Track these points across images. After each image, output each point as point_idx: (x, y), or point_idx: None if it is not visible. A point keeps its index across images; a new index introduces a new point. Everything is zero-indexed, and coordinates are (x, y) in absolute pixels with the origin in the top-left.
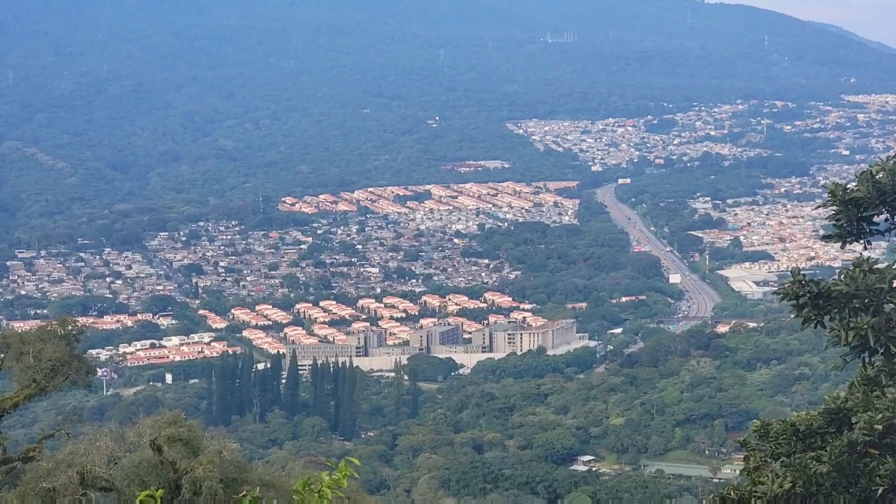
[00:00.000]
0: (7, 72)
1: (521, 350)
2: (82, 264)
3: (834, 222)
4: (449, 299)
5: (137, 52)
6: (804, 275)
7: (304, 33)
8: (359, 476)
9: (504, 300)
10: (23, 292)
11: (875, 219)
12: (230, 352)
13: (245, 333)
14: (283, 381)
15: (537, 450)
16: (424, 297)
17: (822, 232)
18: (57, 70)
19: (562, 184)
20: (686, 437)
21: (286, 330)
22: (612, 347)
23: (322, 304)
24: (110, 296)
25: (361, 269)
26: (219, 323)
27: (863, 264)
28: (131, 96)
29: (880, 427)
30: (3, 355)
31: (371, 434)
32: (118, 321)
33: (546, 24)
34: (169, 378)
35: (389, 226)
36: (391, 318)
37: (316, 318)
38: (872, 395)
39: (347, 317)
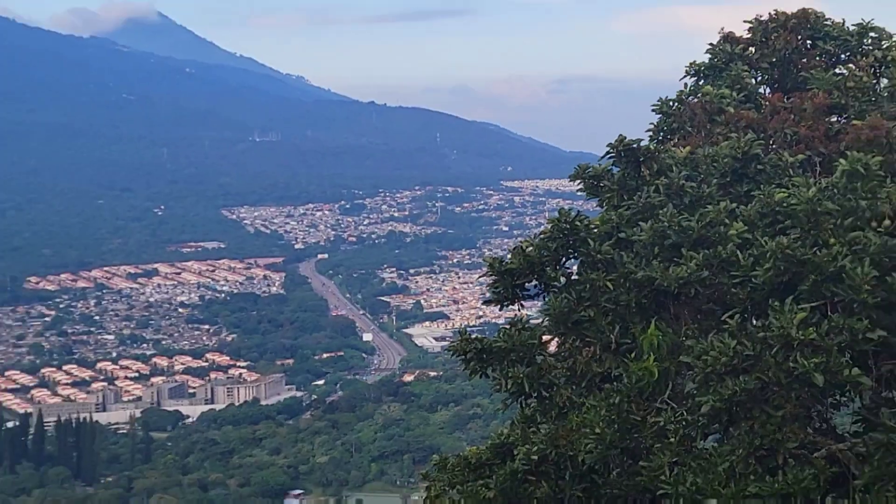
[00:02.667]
0: None
1: (239, 401)
2: None
3: (493, 289)
4: (175, 360)
5: None
6: (470, 333)
7: (44, 135)
8: None
9: (223, 359)
10: None
11: (527, 285)
12: None
13: None
14: (31, 436)
15: (254, 486)
16: (154, 359)
17: (487, 296)
18: None
19: (270, 260)
20: (381, 471)
21: (33, 392)
22: (315, 397)
23: (65, 367)
24: None
25: (99, 337)
26: None
27: (517, 324)
28: None
29: (536, 458)
30: None
31: (110, 479)
32: None
33: (254, 125)
34: None
35: (123, 299)
36: (126, 377)
37: (59, 380)
38: (529, 431)
39: (87, 378)
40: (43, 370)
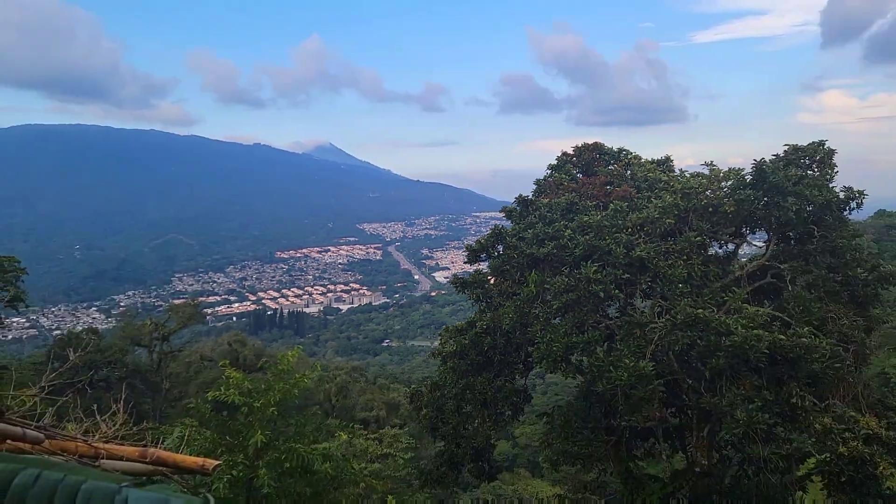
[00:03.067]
0: None
1: (363, 303)
2: None
3: (468, 257)
4: (337, 286)
5: None
6: (458, 276)
7: (288, 205)
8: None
9: (356, 286)
10: None
11: (481, 256)
12: None
13: None
14: (277, 317)
15: (369, 337)
16: (329, 285)
17: (465, 260)
18: None
19: (377, 244)
20: (422, 332)
21: (279, 298)
22: (394, 301)
23: (291, 289)
24: None
25: (304, 276)
26: None
27: (477, 272)
28: None
29: (485, 325)
30: None
31: (310, 336)
32: None
33: (374, 192)
34: None
35: (314, 261)
36: (316, 293)
37: (289, 294)
38: (481, 315)
39: (300, 293)
40: (282, 290)
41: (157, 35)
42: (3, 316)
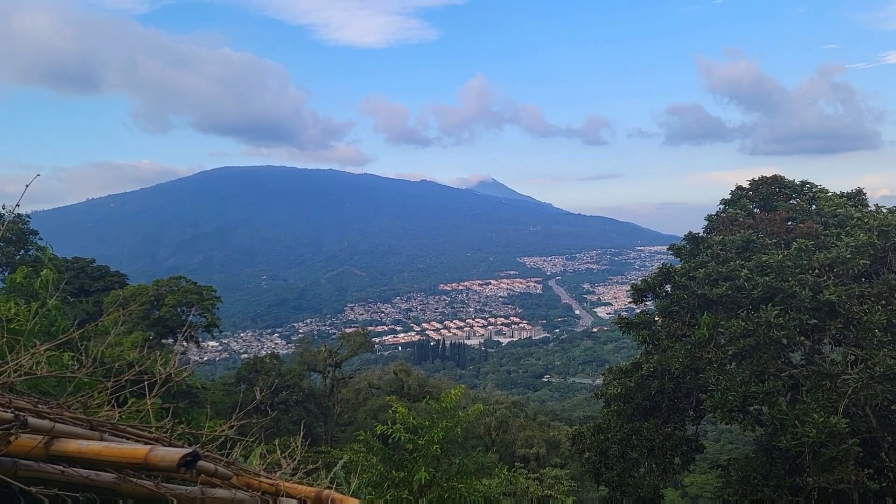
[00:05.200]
0: None
1: (523, 337)
2: None
3: (632, 295)
4: (498, 319)
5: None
6: (622, 314)
7: (452, 237)
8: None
9: (516, 319)
10: None
11: (647, 294)
12: None
13: None
14: (440, 348)
15: (529, 372)
16: (489, 318)
17: (629, 297)
18: None
19: (537, 278)
20: (582, 369)
21: (441, 329)
22: (554, 336)
23: (454, 321)
24: None
25: (466, 309)
26: None
27: (643, 312)
28: None
29: (652, 368)
30: None
31: (470, 367)
32: None
33: (533, 225)
34: None
35: (475, 294)
36: (477, 325)
37: (451, 325)
38: (648, 357)
39: (462, 325)
40: (444, 322)
41: (336, 82)
42: (200, 339)
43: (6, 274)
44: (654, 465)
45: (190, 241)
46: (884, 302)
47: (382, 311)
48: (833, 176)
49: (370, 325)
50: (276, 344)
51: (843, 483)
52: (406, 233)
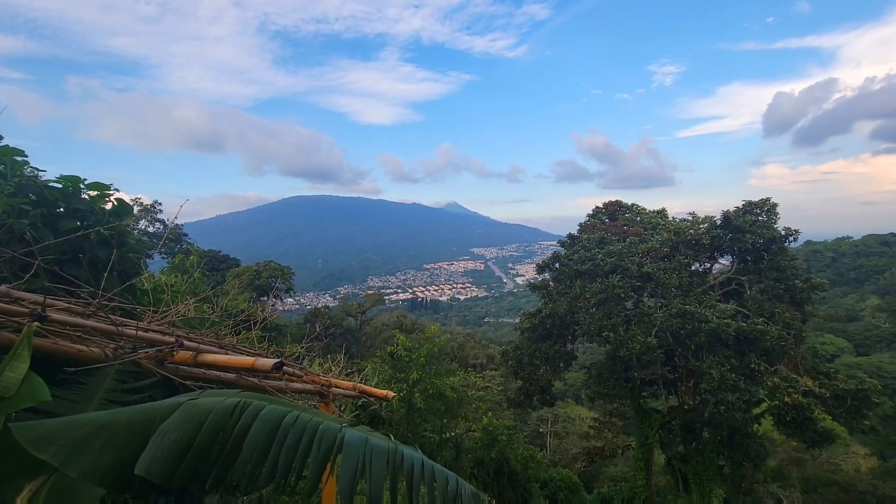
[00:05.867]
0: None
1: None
2: None
3: (539, 269)
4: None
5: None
6: (531, 282)
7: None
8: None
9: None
10: None
11: (547, 270)
12: None
13: None
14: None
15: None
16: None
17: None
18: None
19: (477, 262)
20: None
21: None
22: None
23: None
24: None
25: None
26: None
27: (544, 281)
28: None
29: (561, 310)
30: None
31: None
32: None
33: (472, 233)
34: None
35: (441, 270)
36: (435, 291)
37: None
38: (555, 305)
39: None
40: (427, 287)
41: (362, 145)
42: (283, 298)
43: (170, 259)
44: (548, 368)
45: (276, 240)
46: (677, 272)
47: (390, 281)
48: (648, 201)
49: (382, 289)
50: (327, 300)
51: (654, 375)
52: (404, 233)
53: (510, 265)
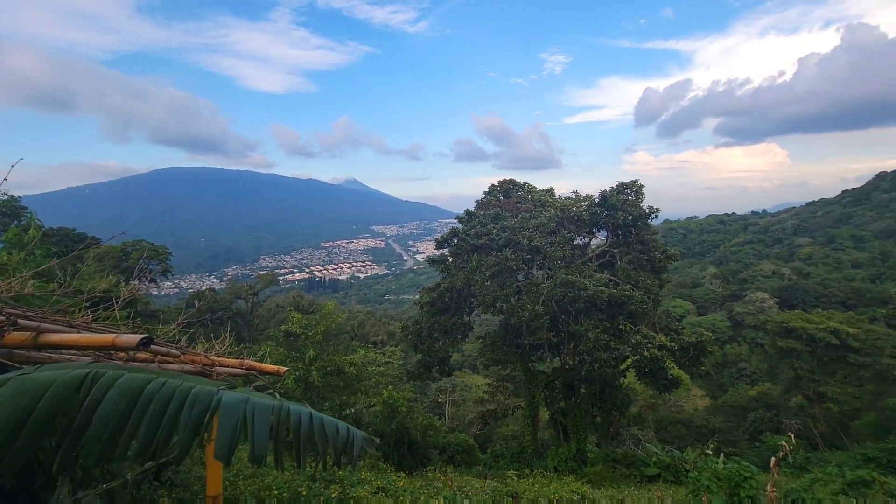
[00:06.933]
0: None
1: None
2: None
3: (438, 244)
4: (350, 262)
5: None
6: (431, 257)
7: (319, 221)
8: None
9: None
10: None
11: (446, 245)
12: None
13: None
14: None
15: None
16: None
17: (436, 243)
18: None
19: (376, 241)
20: None
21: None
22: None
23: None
24: None
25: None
26: None
27: (443, 256)
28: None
29: (460, 282)
30: None
31: None
32: None
33: (367, 205)
34: None
35: (340, 249)
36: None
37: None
38: (453, 279)
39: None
40: (325, 266)
41: (251, 114)
42: (158, 281)
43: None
44: (447, 340)
45: (148, 217)
46: (562, 245)
47: (285, 260)
48: (539, 181)
49: (276, 269)
50: (212, 283)
51: (541, 340)
52: (300, 211)
53: (410, 243)
